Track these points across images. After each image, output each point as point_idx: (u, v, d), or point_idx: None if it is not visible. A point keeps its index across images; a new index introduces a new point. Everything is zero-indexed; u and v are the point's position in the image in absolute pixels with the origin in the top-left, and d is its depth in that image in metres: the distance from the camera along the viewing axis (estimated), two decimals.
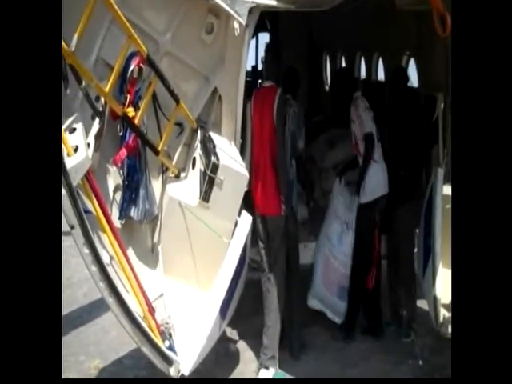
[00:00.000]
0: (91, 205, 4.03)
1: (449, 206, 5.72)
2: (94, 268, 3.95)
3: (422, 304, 6.63)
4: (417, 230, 6.78)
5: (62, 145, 3.64)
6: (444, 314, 5.52)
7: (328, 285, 6.53)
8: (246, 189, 5.41)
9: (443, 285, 5.69)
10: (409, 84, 8.04)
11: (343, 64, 11.51)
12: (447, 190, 6.01)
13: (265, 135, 5.93)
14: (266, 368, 5.96)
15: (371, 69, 10.02)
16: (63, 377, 4.48)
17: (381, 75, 9.80)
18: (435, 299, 5.63)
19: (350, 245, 6.41)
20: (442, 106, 6.32)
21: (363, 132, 6.36)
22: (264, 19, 10.64)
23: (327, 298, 6.49)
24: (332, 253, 6.53)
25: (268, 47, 7.69)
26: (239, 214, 5.46)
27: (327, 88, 12.26)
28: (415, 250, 6.82)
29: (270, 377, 5.93)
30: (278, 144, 5.89)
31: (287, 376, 5.98)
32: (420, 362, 6.20)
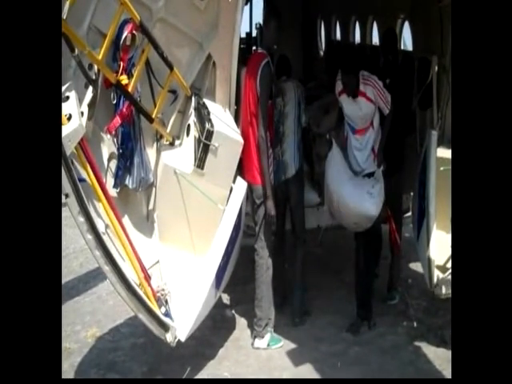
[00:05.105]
0: (86, 173, 4.04)
1: (442, 168, 5.75)
2: (90, 236, 3.98)
3: (416, 266, 6.66)
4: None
5: None
6: (438, 274, 5.56)
7: None
8: (240, 155, 5.42)
9: (437, 246, 5.74)
10: (403, 47, 8.02)
11: (337, 29, 11.42)
12: (441, 152, 6.02)
13: (250, 104, 5.76)
14: (261, 337, 6.01)
15: (366, 33, 9.95)
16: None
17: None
18: (429, 260, 5.65)
19: None
20: (436, 68, 6.29)
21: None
22: None
23: None
24: None
25: (267, 7, 7.57)
26: (234, 181, 5.48)
27: (321, 54, 12.19)
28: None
29: (264, 345, 5.98)
30: (259, 116, 5.69)
31: (283, 341, 6.05)
32: (415, 324, 6.27)
